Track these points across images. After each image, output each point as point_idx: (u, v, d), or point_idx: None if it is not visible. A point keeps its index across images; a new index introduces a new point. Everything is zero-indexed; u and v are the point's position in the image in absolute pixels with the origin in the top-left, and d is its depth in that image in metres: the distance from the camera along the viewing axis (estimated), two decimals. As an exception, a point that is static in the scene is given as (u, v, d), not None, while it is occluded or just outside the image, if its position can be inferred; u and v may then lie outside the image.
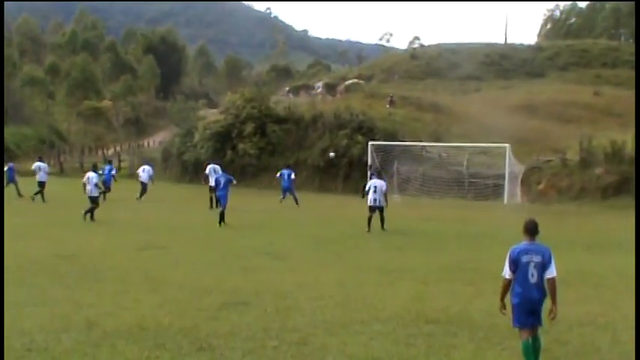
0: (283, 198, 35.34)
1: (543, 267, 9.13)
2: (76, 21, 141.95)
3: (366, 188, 26.36)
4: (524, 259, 9.13)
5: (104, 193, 34.28)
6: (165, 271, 16.33)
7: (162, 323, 11.39)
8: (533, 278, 9.10)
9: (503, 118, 53.56)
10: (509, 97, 64.51)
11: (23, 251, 19.09)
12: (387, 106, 56.85)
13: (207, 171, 34.25)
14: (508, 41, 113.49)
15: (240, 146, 50.32)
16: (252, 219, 29.11)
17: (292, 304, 12.98)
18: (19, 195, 36.82)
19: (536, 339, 9.23)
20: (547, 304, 9.27)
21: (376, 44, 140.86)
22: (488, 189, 40.67)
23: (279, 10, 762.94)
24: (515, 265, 9.14)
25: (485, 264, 17.82)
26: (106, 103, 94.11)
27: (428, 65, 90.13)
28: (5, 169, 39.00)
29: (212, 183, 31.79)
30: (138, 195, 37.26)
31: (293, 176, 35.04)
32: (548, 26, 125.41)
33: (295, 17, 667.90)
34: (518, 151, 42.53)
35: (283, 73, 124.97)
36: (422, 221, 29.44)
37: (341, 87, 79.20)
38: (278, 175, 36.70)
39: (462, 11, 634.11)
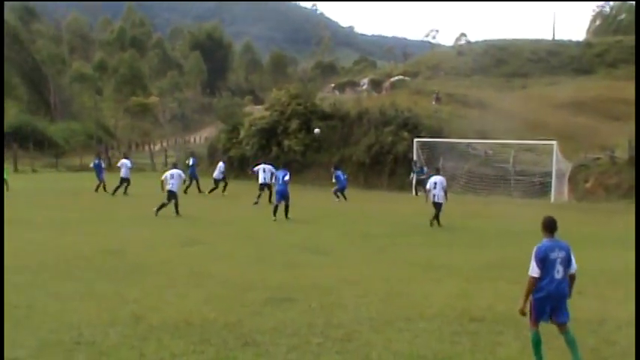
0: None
1: (568, 262, 9.37)
2: (124, 18, 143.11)
3: (428, 185, 26.97)
4: (552, 255, 9.27)
5: (188, 187, 36.11)
6: (210, 266, 16.43)
7: (207, 318, 11.46)
8: (558, 274, 9.27)
9: (551, 115, 53.06)
10: (557, 93, 63.84)
11: (71, 246, 19.34)
12: (433, 102, 56.61)
13: (256, 168, 34.24)
14: (556, 38, 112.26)
15: (286, 143, 50.39)
16: (296, 215, 29.13)
17: (337, 300, 12.99)
18: (98, 189, 37.71)
19: (567, 333, 9.36)
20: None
21: (422, 40, 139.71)
22: (535, 187, 40.31)
23: (325, 7, 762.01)
24: (542, 262, 9.25)
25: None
26: (153, 99, 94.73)
27: (474, 62, 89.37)
28: (92, 165, 39.88)
29: (261, 180, 32.10)
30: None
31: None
32: (598, 22, 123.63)
33: (341, 13, 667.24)
34: (566, 149, 42.08)
35: (328, 69, 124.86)
36: (467, 218, 29.27)
37: (386, 83, 79.08)
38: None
39: (510, 7, 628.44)
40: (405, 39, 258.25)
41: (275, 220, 26.51)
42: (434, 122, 48.73)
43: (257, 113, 57.39)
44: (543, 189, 39.68)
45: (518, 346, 10.27)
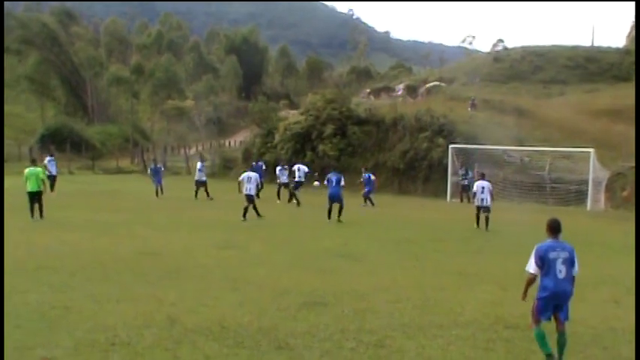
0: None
1: (571, 263, 9.72)
2: (162, 22, 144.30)
3: (474, 189, 27.97)
4: (552, 255, 9.60)
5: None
6: (245, 271, 16.51)
7: (241, 322, 11.53)
8: (561, 274, 9.60)
9: (588, 122, 52.60)
10: (595, 101, 63.29)
11: (108, 248, 19.52)
12: (469, 108, 56.35)
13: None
14: (595, 44, 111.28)
15: (320, 147, 50.45)
16: (329, 221, 29.18)
17: (370, 306, 13.00)
18: (158, 194, 37.87)
19: (562, 333, 9.72)
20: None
21: (459, 46, 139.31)
22: (571, 194, 39.98)
23: (362, 12, 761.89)
24: (542, 261, 9.58)
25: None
26: (189, 102, 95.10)
27: (511, 68, 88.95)
28: (151, 168, 40.24)
29: (296, 178, 32.29)
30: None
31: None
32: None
33: (377, 19, 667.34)
34: (603, 157, 41.70)
35: (364, 74, 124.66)
36: (502, 225, 29.11)
37: (422, 89, 78.83)
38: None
39: (548, 13, 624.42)
40: (442, 44, 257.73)
41: (329, 222, 27.70)
42: (469, 129, 48.48)
43: (292, 118, 57.51)
44: (579, 197, 39.33)
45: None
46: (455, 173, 43.45)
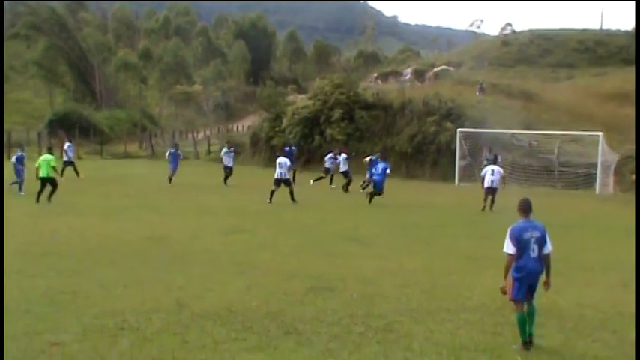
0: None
1: (543, 242, 9.90)
2: (169, 7, 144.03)
3: (483, 172, 28.99)
4: (526, 235, 9.79)
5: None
6: (252, 255, 16.53)
7: (249, 306, 11.54)
8: (534, 253, 9.80)
9: (597, 106, 52.40)
10: (603, 84, 62.99)
11: (115, 233, 19.56)
12: (477, 93, 56.17)
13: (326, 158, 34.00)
14: (604, 27, 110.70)
15: (328, 132, 50.33)
16: (337, 204, 29.20)
17: (378, 290, 13.00)
18: (171, 180, 37.00)
19: (531, 305, 9.89)
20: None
21: (467, 30, 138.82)
22: (579, 178, 39.85)
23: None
24: (517, 241, 9.74)
25: (574, 254, 17.55)
26: (197, 87, 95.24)
27: (519, 52, 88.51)
28: (170, 152, 39.14)
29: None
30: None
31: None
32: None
33: (385, 3, 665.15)
34: (612, 140, 41.56)
35: (372, 59, 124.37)
36: (509, 209, 29.04)
37: (430, 73, 78.61)
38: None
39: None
40: (450, 29, 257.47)
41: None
42: (477, 113, 48.31)
43: (300, 102, 57.36)
44: (588, 181, 39.21)
45: (560, 338, 10.22)
46: (463, 157, 43.35)
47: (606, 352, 9.60)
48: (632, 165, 39.44)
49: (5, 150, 47.36)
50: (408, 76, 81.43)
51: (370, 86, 63.49)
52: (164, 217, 23.70)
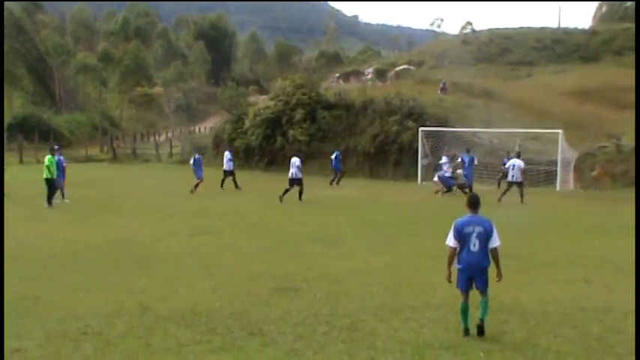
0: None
1: (486, 237, 10.09)
2: (129, 9, 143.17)
3: (506, 166, 31.89)
4: (467, 230, 10.08)
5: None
6: (217, 257, 16.48)
7: (214, 308, 11.52)
8: (475, 247, 10.08)
9: (556, 103, 52.95)
10: (563, 82, 63.72)
11: (78, 237, 19.42)
12: (439, 92, 56.52)
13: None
14: (561, 25, 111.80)
15: (291, 132, 50.41)
16: (303, 205, 29.20)
17: (343, 289, 13.03)
18: (196, 187, 34.76)
19: (483, 297, 10.23)
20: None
21: (427, 30, 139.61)
22: (540, 175, 40.22)
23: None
24: (459, 234, 10.11)
25: (537, 252, 17.74)
26: (158, 89, 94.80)
27: (479, 51, 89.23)
28: (194, 158, 36.67)
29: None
30: None
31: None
32: (604, 9, 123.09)
33: (345, 3, 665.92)
34: (572, 137, 42.00)
35: (333, 59, 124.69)
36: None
37: (391, 73, 79.01)
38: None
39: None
40: (410, 28, 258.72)
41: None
42: (439, 111, 48.62)
43: (262, 103, 57.38)
44: (549, 178, 39.59)
45: (523, 334, 10.30)
46: (425, 156, 43.56)
47: (568, 348, 9.69)
48: (591, 161, 39.90)
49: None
50: (369, 76, 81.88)
51: (332, 86, 63.74)
52: (129, 221, 23.56)
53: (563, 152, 39.44)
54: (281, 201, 29.47)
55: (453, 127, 44.88)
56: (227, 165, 36.99)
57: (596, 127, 46.67)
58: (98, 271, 14.64)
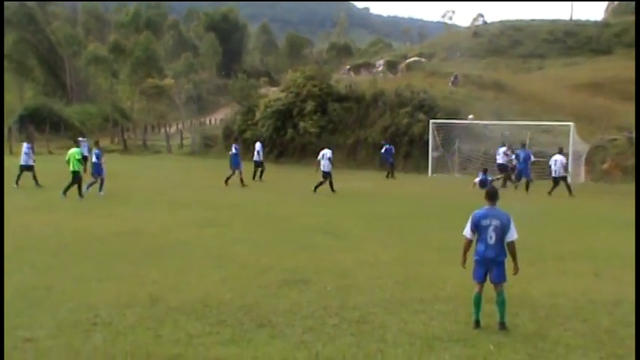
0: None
1: (503, 230, 10.15)
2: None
3: (550, 162, 32.57)
4: (484, 222, 10.21)
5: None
6: (227, 249, 16.50)
7: (223, 300, 11.53)
8: (491, 240, 10.16)
9: (567, 96, 52.76)
10: (574, 74, 63.49)
11: (89, 228, 19.46)
12: (450, 84, 56.42)
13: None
14: (573, 18, 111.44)
15: (301, 124, 50.35)
16: (312, 198, 29.22)
17: (352, 282, 13.04)
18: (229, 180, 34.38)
19: (499, 294, 10.23)
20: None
21: (438, 22, 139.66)
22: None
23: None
24: (476, 227, 10.27)
25: (547, 244, 17.70)
26: (168, 81, 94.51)
27: (490, 43, 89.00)
28: (230, 152, 35.60)
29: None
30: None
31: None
32: (616, 2, 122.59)
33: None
34: (583, 130, 41.85)
35: (344, 51, 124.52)
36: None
37: (402, 65, 78.84)
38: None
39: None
40: (421, 20, 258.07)
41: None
42: (450, 104, 48.56)
43: (272, 95, 57.31)
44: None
45: (534, 327, 10.30)
46: (436, 148, 43.53)
47: (578, 340, 9.69)
48: (602, 154, 39.78)
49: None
50: (380, 68, 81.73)
51: (342, 78, 63.66)
52: (140, 212, 23.60)
53: (574, 145, 39.30)
54: (315, 191, 30.41)
55: (464, 120, 44.81)
56: (257, 156, 36.90)
57: (607, 119, 46.49)
58: (109, 262, 14.68)
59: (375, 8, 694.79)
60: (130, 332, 9.82)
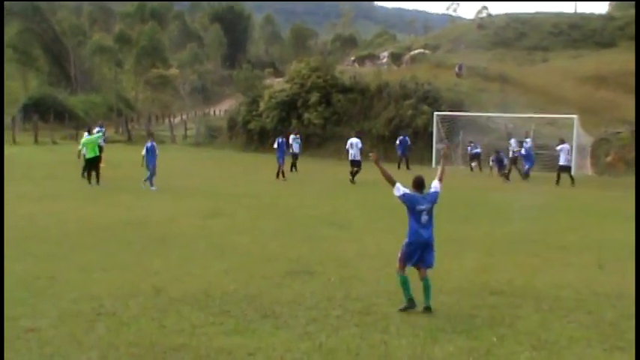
0: None
1: (432, 207, 10.71)
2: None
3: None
4: (418, 207, 10.59)
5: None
6: (231, 239, 16.51)
7: (227, 290, 11.53)
8: (425, 222, 10.61)
9: (572, 88, 52.69)
10: (578, 67, 63.36)
11: (93, 218, 19.47)
12: (457, 70, 56.39)
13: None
14: (578, 10, 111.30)
15: (306, 115, 50.34)
16: (317, 188, 29.21)
17: (356, 273, 13.04)
18: (283, 174, 33.30)
19: (426, 279, 10.67)
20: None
21: (443, 14, 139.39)
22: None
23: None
24: (411, 208, 10.65)
25: (551, 236, 17.70)
26: (173, 71, 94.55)
27: (495, 35, 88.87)
28: (276, 145, 34.38)
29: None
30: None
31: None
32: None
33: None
34: (587, 123, 41.80)
35: (349, 42, 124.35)
36: (487, 192, 29.20)
37: (407, 57, 78.73)
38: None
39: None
40: (426, 12, 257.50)
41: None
42: (454, 96, 48.54)
43: (277, 86, 57.32)
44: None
45: (537, 319, 10.29)
46: (440, 140, 43.51)
47: (581, 333, 9.68)
48: (606, 147, 39.74)
49: None
50: (384, 60, 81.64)
51: (347, 70, 63.62)
52: (143, 201, 23.61)
53: (579, 138, 39.27)
54: (353, 182, 30.96)
55: (468, 112, 44.77)
56: (296, 147, 36.47)
57: (611, 112, 46.44)
58: (112, 252, 14.69)
59: (380, 0, 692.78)
60: (133, 322, 9.81)
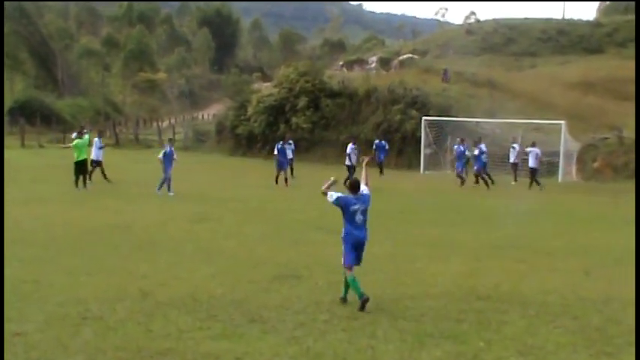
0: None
1: (366, 208, 11.36)
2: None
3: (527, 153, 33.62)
4: (352, 208, 11.19)
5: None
6: (218, 243, 16.50)
7: (214, 294, 11.53)
8: (360, 222, 11.27)
9: (559, 94, 52.85)
10: (566, 73, 63.54)
11: (79, 221, 19.43)
12: (442, 75, 56.52)
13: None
14: (566, 16, 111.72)
15: (294, 120, 50.26)
16: (304, 192, 29.19)
17: (343, 278, 13.03)
18: (285, 180, 32.40)
19: (351, 274, 11.20)
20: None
21: (431, 19, 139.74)
22: (543, 166, 40.11)
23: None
24: (345, 209, 11.25)
25: (537, 241, 17.75)
26: (161, 75, 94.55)
27: (483, 41, 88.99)
28: (276, 150, 33.53)
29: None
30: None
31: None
32: (607, 2, 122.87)
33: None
34: (574, 128, 41.91)
35: (337, 47, 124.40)
36: (474, 197, 29.26)
37: (395, 62, 78.81)
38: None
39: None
40: (415, 17, 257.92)
41: None
42: (442, 101, 48.59)
43: (265, 90, 57.19)
44: (551, 169, 39.51)
45: (523, 324, 10.32)
46: (428, 145, 43.59)
47: (568, 338, 9.71)
48: (594, 153, 39.86)
49: None
50: (373, 65, 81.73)
51: (335, 74, 63.50)
52: (130, 206, 23.55)
53: (566, 143, 39.35)
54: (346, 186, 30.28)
55: (456, 117, 44.84)
56: (289, 153, 36.08)
57: (599, 118, 46.59)
58: (99, 255, 14.66)
59: (369, 5, 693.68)
60: (120, 326, 9.80)
